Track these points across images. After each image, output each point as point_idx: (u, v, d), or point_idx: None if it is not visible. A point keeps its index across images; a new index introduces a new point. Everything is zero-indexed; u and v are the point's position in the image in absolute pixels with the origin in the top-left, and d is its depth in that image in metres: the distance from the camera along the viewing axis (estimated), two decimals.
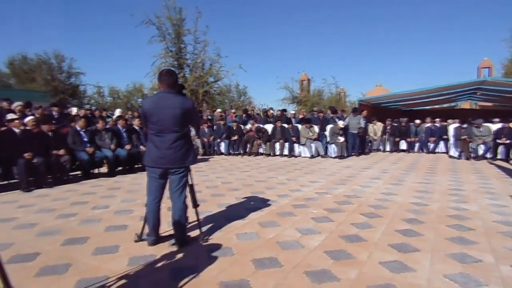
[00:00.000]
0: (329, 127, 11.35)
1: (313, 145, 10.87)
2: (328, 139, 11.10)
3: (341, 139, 10.70)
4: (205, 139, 11.56)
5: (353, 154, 11.27)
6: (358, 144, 11.35)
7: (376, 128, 13.15)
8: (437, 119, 12.92)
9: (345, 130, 11.03)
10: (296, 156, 11.02)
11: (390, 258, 2.99)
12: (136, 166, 8.16)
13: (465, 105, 26.95)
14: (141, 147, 8.07)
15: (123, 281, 2.59)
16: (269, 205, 4.85)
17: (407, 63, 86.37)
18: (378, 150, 13.09)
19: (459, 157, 10.73)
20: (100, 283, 2.54)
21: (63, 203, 5.02)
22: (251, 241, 3.42)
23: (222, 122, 12.10)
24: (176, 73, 3.36)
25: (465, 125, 10.92)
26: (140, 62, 57.73)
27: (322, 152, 10.95)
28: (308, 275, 2.66)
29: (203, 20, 20.20)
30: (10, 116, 6.55)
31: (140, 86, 27.71)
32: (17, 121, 6.35)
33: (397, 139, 12.76)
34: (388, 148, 12.96)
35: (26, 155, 5.90)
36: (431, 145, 12.31)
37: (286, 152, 11.14)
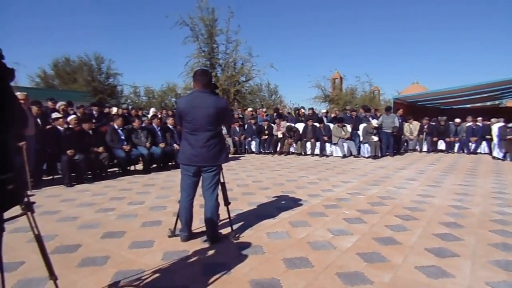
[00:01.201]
0: (362, 126, 11.07)
1: (345, 145, 10.66)
2: (361, 138, 10.84)
3: (375, 138, 10.41)
4: (236, 138, 11.67)
5: (387, 154, 10.92)
6: (392, 144, 10.99)
7: (412, 127, 12.67)
8: (479, 118, 12.22)
9: (379, 130, 10.71)
10: (327, 156, 10.85)
11: (427, 262, 2.88)
12: (170, 163, 8.40)
13: (511, 103, 25.30)
14: (175, 145, 8.28)
15: (158, 275, 2.68)
16: (300, 204, 4.82)
17: (446, 60, 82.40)
18: (415, 150, 12.61)
19: (504, 158, 10.10)
20: (136, 276, 2.64)
21: (102, 198, 5.26)
22: (282, 241, 3.41)
23: (253, 121, 12.15)
24: (210, 73, 3.43)
25: (510, 125, 10.26)
26: (174, 62, 59.22)
27: (354, 152, 10.70)
28: (340, 277, 2.62)
29: (235, 20, 20.41)
30: (55, 115, 6.96)
31: (173, 86, 28.45)
32: (61, 119, 6.73)
33: (435, 138, 12.22)
34: (425, 148, 12.44)
35: (68, 152, 6.25)
36: (473, 145, 11.69)
37: (317, 151, 11.00)
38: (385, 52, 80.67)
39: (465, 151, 11.82)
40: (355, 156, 10.63)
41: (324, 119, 12.83)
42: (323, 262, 2.88)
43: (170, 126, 8.73)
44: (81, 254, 3.07)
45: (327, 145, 10.95)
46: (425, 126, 12.57)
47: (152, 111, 12.16)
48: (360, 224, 3.94)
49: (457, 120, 12.45)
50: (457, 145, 12.11)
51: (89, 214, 4.38)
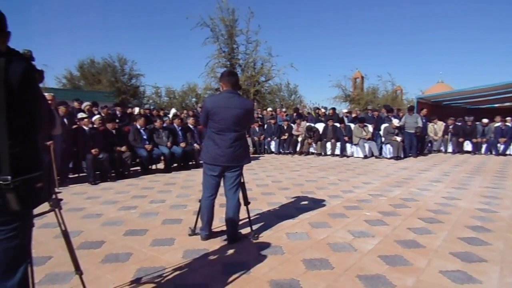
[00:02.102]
0: (383, 126, 10.86)
1: (366, 145, 10.47)
2: (383, 139, 10.62)
3: (398, 138, 10.17)
4: (256, 138, 11.68)
5: (410, 155, 10.66)
6: (415, 145, 10.72)
7: (436, 128, 12.32)
8: (508, 118, 11.72)
9: (401, 130, 10.47)
10: (348, 156, 10.70)
11: (452, 267, 2.79)
12: (190, 163, 8.50)
13: None
14: (195, 145, 8.39)
15: (178, 272, 2.72)
16: (320, 205, 4.77)
17: (472, 58, 79.51)
18: (439, 151, 12.26)
19: None
20: (157, 273, 2.69)
21: (124, 196, 5.39)
22: (302, 241, 3.39)
23: (272, 121, 12.13)
24: (237, 74, 3.46)
25: None
26: (194, 63, 59.97)
27: (376, 153, 10.50)
28: (360, 279, 2.57)
29: (255, 20, 20.43)
30: (80, 115, 7.19)
31: (194, 86, 28.77)
32: (86, 119, 6.94)
33: (461, 139, 11.83)
34: (450, 149, 12.08)
35: (93, 151, 6.44)
36: (501, 146, 11.24)
37: (337, 152, 10.86)
38: (408, 51, 78.55)
39: (493, 153, 11.38)
40: (376, 157, 10.43)
41: (345, 119, 12.66)
42: (343, 264, 2.84)
43: (191, 126, 8.84)
44: (105, 251, 3.16)
45: (348, 145, 10.80)
46: (451, 127, 12.19)
47: (173, 111, 12.36)
48: (382, 226, 3.86)
49: (485, 120, 12.00)
50: (484, 146, 11.68)
51: (113, 212, 4.50)
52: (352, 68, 40.23)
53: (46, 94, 1.60)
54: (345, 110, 14.45)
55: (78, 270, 2.17)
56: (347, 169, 8.16)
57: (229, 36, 17.34)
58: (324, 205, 4.77)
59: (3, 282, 1.45)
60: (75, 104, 9.06)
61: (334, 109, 12.81)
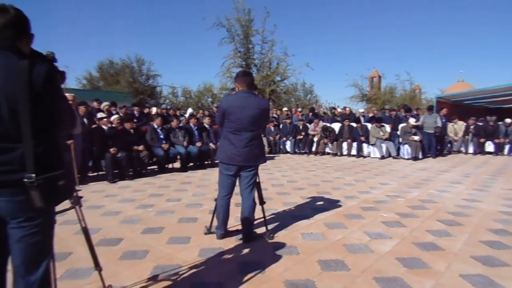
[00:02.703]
0: (401, 126, 10.66)
1: (383, 145, 10.31)
2: (401, 139, 10.43)
3: (416, 137, 9.96)
4: (271, 138, 11.67)
5: (429, 155, 10.43)
6: (434, 145, 10.48)
7: (457, 128, 12.01)
8: None
9: (419, 129, 10.26)
10: (364, 157, 10.56)
11: (473, 271, 2.71)
12: (206, 162, 8.57)
13: None
14: (211, 144, 8.45)
15: (194, 270, 2.75)
16: (335, 206, 4.73)
17: (494, 56, 77.04)
18: (459, 152, 11.95)
19: None
20: (173, 271, 2.73)
21: (142, 195, 5.48)
22: (317, 242, 3.37)
23: (288, 121, 12.10)
24: (252, 74, 3.48)
25: None
26: (210, 63, 60.44)
27: (394, 153, 10.32)
28: (377, 282, 2.54)
29: (270, 20, 20.35)
30: (100, 114, 7.36)
31: (210, 86, 28.95)
32: (105, 119, 7.10)
33: (483, 140, 11.49)
34: (471, 149, 11.75)
35: (111, 150, 6.58)
36: None
37: (354, 152, 10.73)
38: (428, 50, 76.82)
39: None
40: (394, 158, 10.25)
41: (362, 118, 12.50)
42: (360, 266, 2.81)
43: (207, 126, 8.91)
44: (123, 248, 3.22)
45: (365, 145, 10.66)
46: (472, 127, 11.86)
47: (189, 111, 12.49)
48: (399, 228, 3.79)
49: (508, 120, 11.61)
50: (507, 147, 11.31)
51: (130, 210, 4.58)
52: (369, 68, 39.65)
53: (67, 94, 1.64)
54: (362, 110, 14.25)
55: (97, 266, 2.22)
56: (363, 170, 8.05)
57: (245, 36, 17.37)
58: (340, 206, 4.73)
59: (26, 277, 1.50)
60: (95, 104, 9.27)
61: (349, 108, 12.67)
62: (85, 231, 2.15)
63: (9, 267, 1.57)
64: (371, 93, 28.60)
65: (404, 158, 10.13)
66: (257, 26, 17.33)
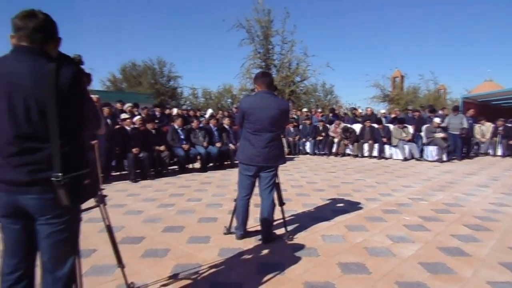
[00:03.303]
0: (425, 127, 10.37)
1: (406, 147, 10.06)
2: (424, 140, 10.15)
3: (441, 134, 9.65)
4: (290, 139, 11.62)
5: (454, 157, 10.10)
6: (460, 147, 10.14)
7: (484, 129, 11.58)
8: None
9: (445, 130, 9.95)
10: (386, 158, 10.34)
11: (501, 278, 2.60)
12: (226, 162, 8.63)
13: None
14: (231, 145, 8.50)
15: (214, 270, 2.77)
16: (356, 208, 4.65)
17: None
18: (486, 154, 11.52)
19: None
20: (193, 270, 2.76)
21: (163, 194, 5.58)
22: (337, 244, 3.33)
23: (308, 122, 12.01)
24: (271, 74, 3.48)
25: None
26: (230, 64, 60.84)
27: (417, 155, 10.06)
28: (400, 286, 2.48)
29: (290, 20, 20.25)
30: (123, 115, 7.55)
31: (229, 87, 29.13)
32: (128, 120, 7.27)
33: None
34: (499, 152, 11.29)
35: (134, 150, 6.73)
36: None
37: (375, 153, 10.53)
38: (453, 48, 74.31)
39: None
40: (417, 159, 9.99)
41: (383, 119, 12.24)
42: (381, 269, 2.75)
43: (226, 126, 8.98)
44: (144, 246, 3.29)
45: (386, 147, 10.44)
46: (500, 128, 11.40)
47: (209, 112, 12.62)
48: (423, 231, 3.69)
49: None
50: None
51: (152, 209, 4.67)
52: (391, 67, 38.82)
53: (92, 96, 1.69)
54: (383, 111, 13.97)
55: (120, 263, 2.28)
56: (385, 172, 7.89)
57: (265, 37, 17.39)
58: (361, 208, 4.65)
59: (54, 272, 1.55)
60: (118, 105, 9.51)
61: (370, 109, 12.44)
62: (109, 229, 2.21)
63: (38, 262, 1.63)
64: (393, 93, 27.96)
65: (428, 160, 9.86)
66: (277, 26, 17.33)
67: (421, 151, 10.20)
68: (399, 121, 10.54)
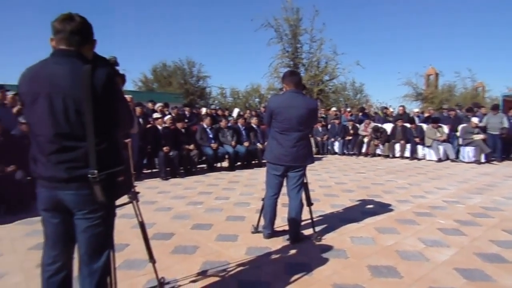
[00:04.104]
0: (461, 126, 9.90)
1: (441, 147, 9.65)
2: (460, 140, 9.69)
3: (480, 136, 9.16)
4: (319, 138, 11.48)
5: (493, 159, 9.57)
6: (500, 148, 9.58)
7: None
8: None
9: (484, 131, 9.45)
10: (419, 159, 9.97)
11: None
12: (253, 162, 8.66)
13: None
14: (258, 144, 8.52)
15: (242, 268, 2.79)
16: (387, 210, 4.53)
17: None
18: None
19: None
20: (222, 267, 2.79)
21: (192, 192, 5.69)
22: (367, 246, 3.25)
23: (336, 121, 11.82)
24: (299, 73, 3.46)
25: None
26: (258, 63, 60.86)
27: (452, 156, 9.62)
28: None
29: (319, 18, 20.01)
30: (155, 115, 7.78)
31: (257, 86, 29.21)
32: (159, 119, 7.48)
33: None
34: None
35: (164, 148, 6.91)
36: None
37: (407, 154, 10.18)
38: (492, 44, 70.26)
39: None
40: (452, 161, 9.56)
41: (416, 119, 11.81)
42: (413, 274, 2.66)
43: (254, 126, 9.01)
44: (174, 242, 3.37)
45: (419, 147, 10.07)
46: None
47: (235, 111, 12.72)
48: (458, 236, 3.53)
49: None
50: None
51: (181, 206, 4.77)
52: (425, 65, 37.37)
53: (126, 96, 1.76)
54: (417, 110, 13.48)
55: (151, 258, 2.35)
56: (418, 173, 7.61)
57: (293, 35, 17.30)
58: (392, 210, 4.51)
59: (90, 265, 1.63)
60: (149, 105, 9.78)
61: (403, 108, 12.02)
62: (142, 225, 2.29)
63: (76, 255, 1.71)
64: (427, 91, 26.89)
65: (464, 162, 9.40)
66: (305, 25, 17.20)
67: (457, 152, 9.75)
68: (433, 121, 10.12)
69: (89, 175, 1.50)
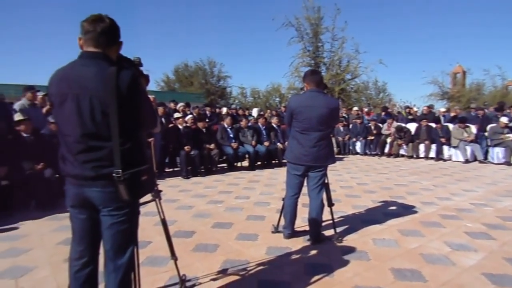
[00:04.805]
0: (490, 126, 9.51)
1: (468, 148, 9.31)
2: (489, 141, 9.31)
3: (510, 136, 8.77)
4: (340, 138, 11.33)
5: None
6: None
7: None
8: None
9: None
10: (445, 160, 9.66)
11: None
12: (273, 161, 8.64)
13: None
14: (278, 144, 8.50)
15: (262, 268, 2.79)
16: (411, 212, 4.41)
17: None
18: None
19: None
20: (242, 266, 2.81)
21: (212, 191, 5.74)
22: (390, 249, 3.18)
23: (358, 121, 11.62)
24: (320, 72, 3.43)
25: None
26: (278, 63, 60.61)
27: (480, 157, 9.26)
28: None
29: (341, 16, 19.72)
30: (176, 115, 7.90)
31: (278, 86, 29.14)
32: (181, 119, 7.60)
33: None
34: None
35: (186, 148, 7.00)
36: None
37: (432, 154, 9.89)
38: None
39: None
40: (480, 162, 9.20)
41: (442, 118, 11.45)
42: (439, 278, 2.58)
43: (275, 125, 8.99)
44: (195, 240, 3.41)
45: (445, 148, 9.75)
46: None
47: (254, 111, 12.72)
48: (487, 240, 3.40)
49: None
50: None
51: (202, 205, 4.83)
52: (451, 62, 36.02)
53: (149, 96, 1.79)
54: (443, 109, 13.06)
55: (173, 255, 2.39)
56: (443, 174, 7.38)
57: (314, 34, 17.16)
58: (416, 212, 4.40)
59: (115, 260, 1.67)
60: (171, 105, 9.95)
61: (429, 107, 11.67)
62: (164, 223, 2.33)
63: (101, 251, 1.76)
64: (453, 90, 25.99)
65: (493, 163, 9.04)
66: (327, 23, 17.02)
67: (486, 153, 9.38)
68: (460, 120, 9.76)
69: (114, 174, 1.54)
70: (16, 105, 5.70)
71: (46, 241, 3.45)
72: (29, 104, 5.74)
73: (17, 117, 4.82)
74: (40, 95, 6.27)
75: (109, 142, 1.56)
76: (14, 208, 4.51)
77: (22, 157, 4.57)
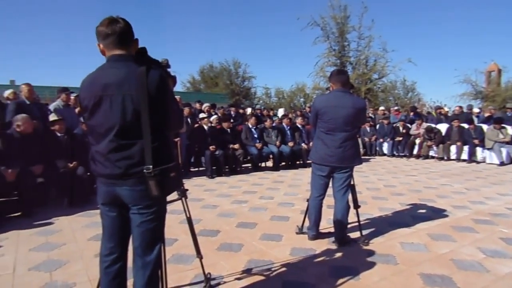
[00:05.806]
0: None
1: (504, 150, 8.86)
2: None
3: None
4: (367, 139, 11.09)
5: None
6: None
7: None
8: None
9: None
10: (478, 162, 9.24)
11: None
12: (298, 162, 8.59)
13: None
14: (303, 144, 8.44)
15: (286, 269, 2.78)
16: (441, 215, 4.26)
17: None
18: None
19: None
20: (266, 266, 2.81)
21: (237, 191, 5.78)
22: (418, 253, 3.08)
23: (385, 121, 11.33)
24: (347, 71, 3.38)
25: None
26: (303, 63, 60.13)
27: None
28: None
29: (368, 15, 19.33)
30: (202, 115, 8.02)
31: (303, 86, 28.94)
32: (206, 119, 7.70)
33: None
34: None
35: (211, 147, 7.09)
36: None
37: (464, 156, 9.49)
38: None
39: None
40: None
41: (475, 119, 10.95)
42: (471, 285, 2.48)
43: (299, 126, 8.93)
44: (220, 239, 3.45)
45: (479, 149, 9.33)
46: None
47: (280, 111, 12.69)
48: None
49: None
50: None
51: (227, 204, 4.87)
52: (485, 60, 34.36)
53: (176, 96, 1.83)
54: (476, 109, 12.51)
55: (199, 254, 2.42)
56: (476, 177, 7.06)
57: (340, 33, 16.94)
58: (447, 216, 4.24)
59: (143, 257, 1.72)
60: (197, 105, 10.11)
61: (460, 107, 11.22)
62: (189, 221, 2.37)
63: (130, 248, 1.81)
64: (488, 89, 24.80)
65: None
66: (353, 22, 16.77)
67: None
68: (496, 121, 9.30)
69: (144, 170, 1.58)
70: (51, 106, 5.96)
71: (78, 237, 3.59)
72: (63, 105, 5.99)
73: (52, 117, 5.05)
74: (73, 96, 6.54)
75: (140, 140, 1.60)
76: (48, 204, 4.74)
77: (56, 156, 4.79)
